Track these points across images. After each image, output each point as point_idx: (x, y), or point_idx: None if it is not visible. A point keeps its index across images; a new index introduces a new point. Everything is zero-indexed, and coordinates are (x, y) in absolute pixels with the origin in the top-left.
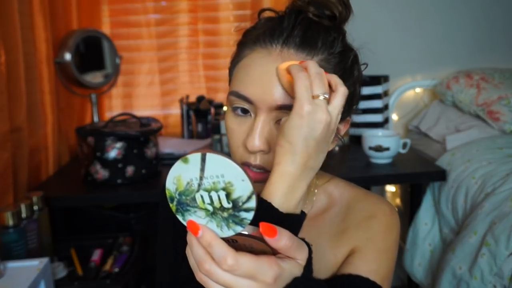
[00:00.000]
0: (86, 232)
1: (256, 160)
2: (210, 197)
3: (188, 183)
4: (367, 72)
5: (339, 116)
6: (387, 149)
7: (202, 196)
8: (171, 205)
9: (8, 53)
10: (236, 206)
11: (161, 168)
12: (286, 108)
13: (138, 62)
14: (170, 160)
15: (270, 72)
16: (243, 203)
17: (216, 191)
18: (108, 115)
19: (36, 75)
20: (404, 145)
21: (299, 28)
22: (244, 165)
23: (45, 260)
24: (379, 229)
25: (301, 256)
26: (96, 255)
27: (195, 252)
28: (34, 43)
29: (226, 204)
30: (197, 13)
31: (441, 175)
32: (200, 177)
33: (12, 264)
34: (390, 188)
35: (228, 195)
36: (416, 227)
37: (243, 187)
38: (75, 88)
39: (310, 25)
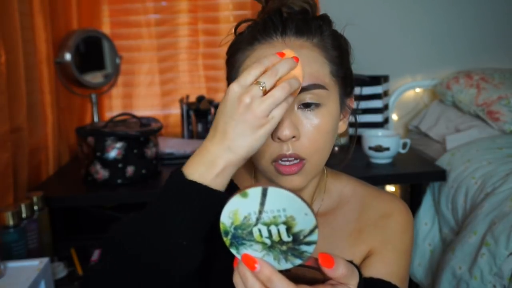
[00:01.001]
0: (86, 232)
1: (289, 149)
2: (269, 231)
3: (245, 217)
4: (367, 72)
5: (275, 116)
6: (387, 149)
7: (260, 230)
8: (225, 239)
9: (8, 53)
10: (297, 239)
11: (161, 168)
12: (306, 89)
13: (138, 62)
14: (170, 160)
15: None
16: (305, 236)
17: (276, 225)
18: (108, 115)
19: (36, 75)
20: (404, 145)
21: (290, 21)
22: (279, 159)
23: (45, 260)
24: (396, 229)
25: (354, 282)
26: (96, 255)
27: (250, 286)
28: (34, 43)
29: (286, 238)
30: (197, 13)
31: (441, 175)
32: (259, 211)
33: (12, 264)
34: (390, 188)
35: (288, 229)
36: (416, 227)
37: (305, 220)
38: (75, 88)
39: (297, 17)
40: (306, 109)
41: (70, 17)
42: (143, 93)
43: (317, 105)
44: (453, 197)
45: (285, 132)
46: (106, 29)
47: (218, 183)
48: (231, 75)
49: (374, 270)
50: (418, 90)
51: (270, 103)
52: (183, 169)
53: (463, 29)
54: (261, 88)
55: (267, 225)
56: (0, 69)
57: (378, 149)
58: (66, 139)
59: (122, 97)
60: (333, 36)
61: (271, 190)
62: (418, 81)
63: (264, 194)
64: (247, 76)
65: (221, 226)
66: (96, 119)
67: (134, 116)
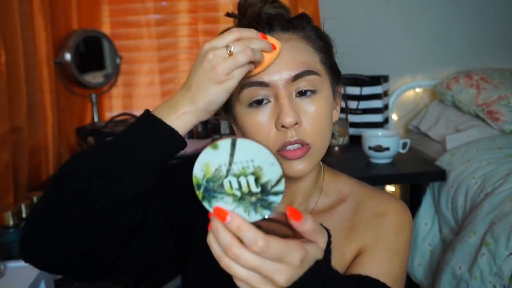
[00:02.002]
0: None
1: (293, 136)
2: (239, 182)
3: (216, 169)
4: (367, 72)
5: (235, 75)
6: (387, 149)
7: (230, 182)
8: (197, 192)
9: (8, 53)
10: (264, 190)
11: None
12: (301, 76)
13: (138, 62)
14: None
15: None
16: (272, 186)
17: (245, 176)
18: (108, 115)
19: (36, 75)
20: (404, 145)
21: (274, 19)
22: (284, 147)
23: None
24: (390, 228)
25: (322, 240)
26: None
27: (222, 237)
28: (34, 43)
29: (254, 189)
30: (197, 14)
31: (441, 175)
32: (229, 163)
33: (13, 264)
34: (390, 188)
35: (257, 180)
36: (416, 227)
37: (272, 171)
38: (75, 88)
39: (279, 17)
40: (303, 97)
41: (70, 17)
42: (143, 93)
43: (313, 91)
44: (453, 197)
45: (288, 119)
46: (106, 29)
47: (175, 125)
48: None
49: (364, 269)
50: (418, 90)
51: (231, 62)
52: (152, 110)
53: (463, 29)
54: (227, 51)
55: (237, 176)
56: (0, 69)
57: (378, 149)
58: (66, 139)
59: (122, 97)
60: (314, 30)
61: (240, 141)
62: (418, 81)
63: (233, 145)
64: (220, 40)
65: (194, 179)
66: (96, 119)
67: (134, 116)
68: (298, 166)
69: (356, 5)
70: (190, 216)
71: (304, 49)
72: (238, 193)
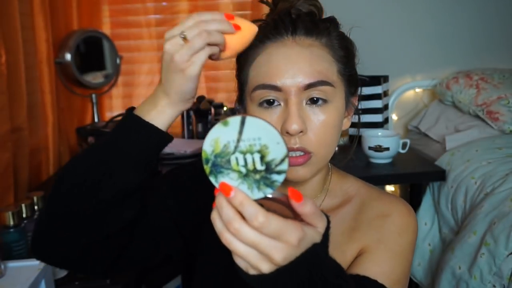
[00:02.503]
0: None
1: (297, 143)
2: (245, 159)
3: (225, 145)
4: (367, 72)
5: (195, 60)
6: (387, 149)
7: (237, 158)
8: (205, 166)
9: (9, 53)
10: (269, 168)
11: (161, 168)
12: (314, 86)
13: (138, 62)
14: (170, 160)
15: (291, 57)
16: (276, 165)
17: (252, 153)
18: (108, 115)
19: (36, 75)
20: (404, 145)
21: (300, 22)
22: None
23: None
24: (392, 230)
25: (321, 225)
26: None
27: (224, 212)
28: (34, 43)
29: (259, 167)
30: None
31: (440, 175)
32: (237, 140)
33: (13, 264)
34: (390, 188)
35: (262, 158)
36: None
37: (277, 150)
38: (75, 88)
39: (306, 18)
40: (314, 105)
41: (70, 17)
42: (143, 93)
43: (325, 101)
44: (453, 197)
45: (294, 126)
46: (106, 29)
47: (156, 122)
48: (241, 72)
49: (364, 269)
50: (418, 90)
51: (187, 48)
52: (136, 107)
53: (463, 29)
54: (181, 37)
55: (244, 153)
56: (0, 69)
57: (378, 149)
58: (66, 139)
59: (123, 97)
60: (340, 37)
61: (249, 119)
62: (418, 81)
63: (242, 122)
64: (177, 27)
65: (203, 153)
66: (96, 119)
67: None
68: (298, 173)
69: (356, 5)
70: (196, 215)
71: (324, 57)
72: (243, 170)
